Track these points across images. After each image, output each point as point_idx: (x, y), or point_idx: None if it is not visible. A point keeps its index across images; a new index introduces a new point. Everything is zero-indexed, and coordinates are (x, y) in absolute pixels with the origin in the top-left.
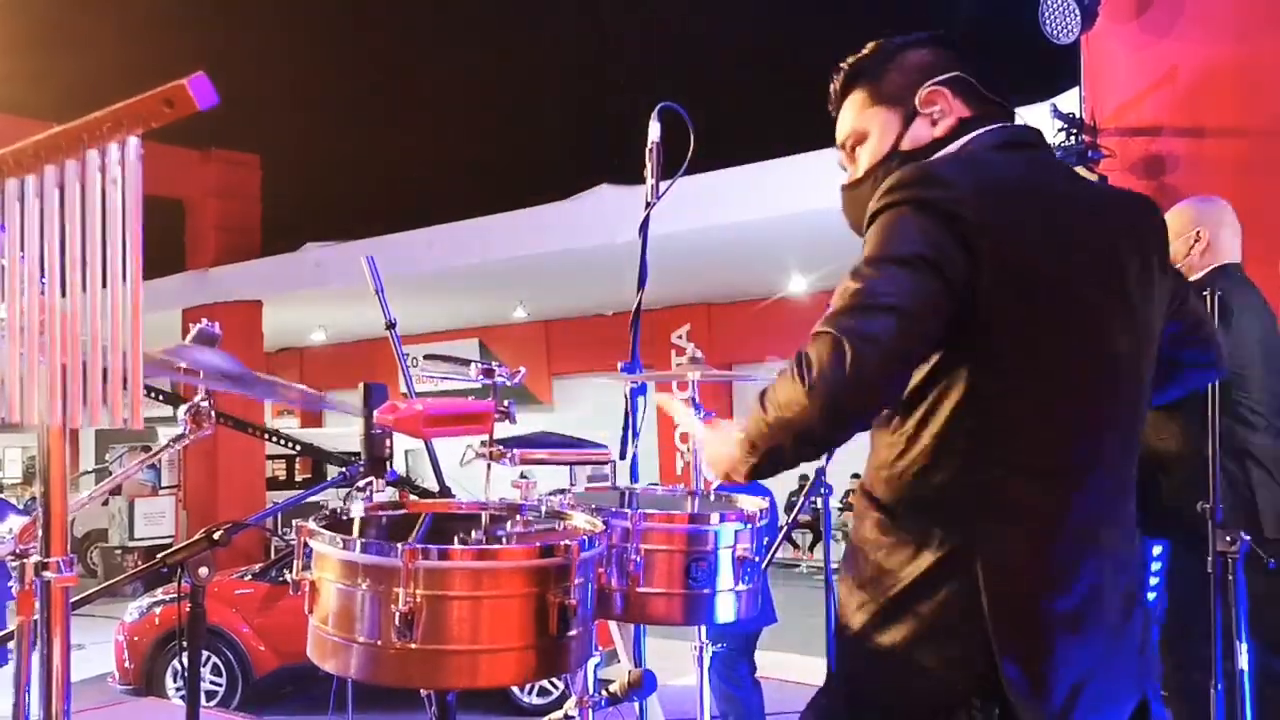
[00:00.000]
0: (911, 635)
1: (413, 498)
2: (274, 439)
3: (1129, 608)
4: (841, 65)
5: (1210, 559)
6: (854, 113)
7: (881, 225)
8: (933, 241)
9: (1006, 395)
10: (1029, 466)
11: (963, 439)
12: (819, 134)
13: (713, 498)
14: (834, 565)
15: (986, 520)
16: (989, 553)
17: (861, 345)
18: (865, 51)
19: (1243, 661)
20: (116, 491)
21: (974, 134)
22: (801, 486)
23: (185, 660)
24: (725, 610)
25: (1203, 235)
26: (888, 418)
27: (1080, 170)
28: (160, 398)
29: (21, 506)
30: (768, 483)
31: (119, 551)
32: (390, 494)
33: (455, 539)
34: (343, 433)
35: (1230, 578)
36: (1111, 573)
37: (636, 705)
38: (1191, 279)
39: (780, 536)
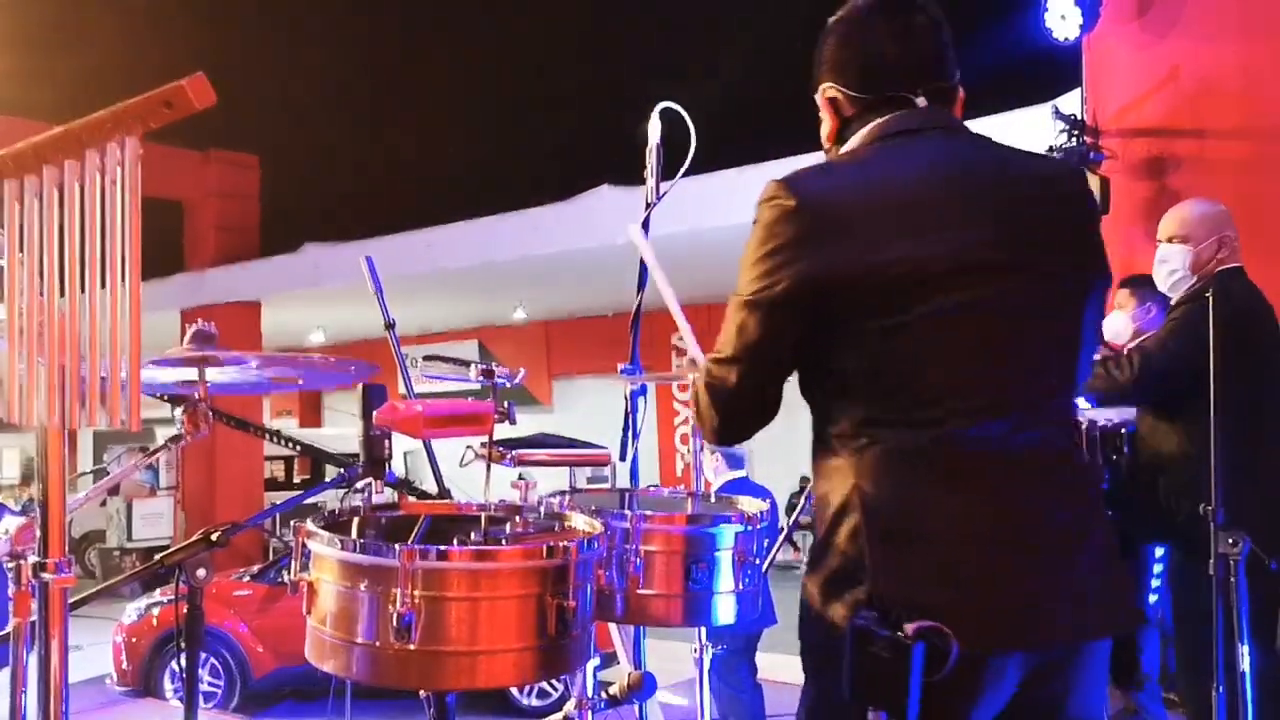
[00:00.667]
0: (826, 579)
1: (411, 499)
2: (273, 439)
3: (1073, 543)
4: None
5: (1212, 561)
6: None
7: (747, 243)
8: (772, 267)
9: (877, 357)
10: (906, 420)
11: (847, 403)
12: (818, 135)
13: (713, 499)
14: None
15: (867, 470)
16: (867, 499)
17: (718, 393)
18: None
19: (1244, 664)
20: (115, 492)
21: (865, 129)
22: (802, 488)
23: (183, 662)
24: (725, 612)
25: (1227, 241)
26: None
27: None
28: (161, 396)
29: (20, 508)
30: (768, 484)
31: (117, 552)
32: (389, 495)
33: (454, 540)
34: (342, 433)
35: (1232, 580)
36: (1043, 511)
37: (636, 707)
38: (1200, 282)
39: (781, 538)
